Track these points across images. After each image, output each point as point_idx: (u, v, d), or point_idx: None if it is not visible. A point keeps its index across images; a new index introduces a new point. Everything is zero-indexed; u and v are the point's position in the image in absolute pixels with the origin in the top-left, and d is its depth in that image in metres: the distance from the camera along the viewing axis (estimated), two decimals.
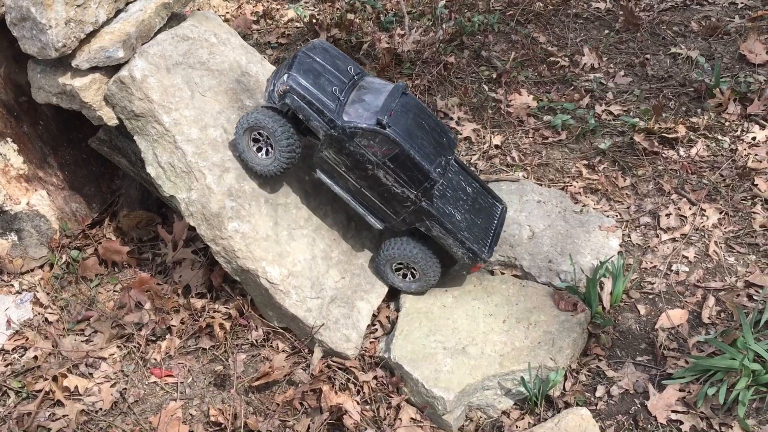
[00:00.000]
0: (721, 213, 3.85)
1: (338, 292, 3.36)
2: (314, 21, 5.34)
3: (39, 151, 3.71)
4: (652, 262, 3.66)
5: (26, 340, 3.42)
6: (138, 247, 3.85)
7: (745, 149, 4.15)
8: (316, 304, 3.25)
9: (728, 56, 4.82)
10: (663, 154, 4.22)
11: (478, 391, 3.12)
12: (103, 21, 3.22)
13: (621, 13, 5.26)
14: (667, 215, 3.86)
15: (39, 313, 3.55)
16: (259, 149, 3.22)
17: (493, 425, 3.14)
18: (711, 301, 3.42)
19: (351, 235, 3.55)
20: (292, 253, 3.29)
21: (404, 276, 3.41)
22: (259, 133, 3.17)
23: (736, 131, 4.29)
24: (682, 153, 4.22)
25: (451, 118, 4.56)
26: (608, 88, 4.72)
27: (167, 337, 3.42)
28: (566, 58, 4.95)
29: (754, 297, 3.42)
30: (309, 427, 3.06)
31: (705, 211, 3.86)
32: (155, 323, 3.44)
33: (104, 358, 3.35)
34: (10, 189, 3.63)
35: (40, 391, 3.17)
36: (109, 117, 3.33)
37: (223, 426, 3.07)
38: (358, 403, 3.14)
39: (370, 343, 3.39)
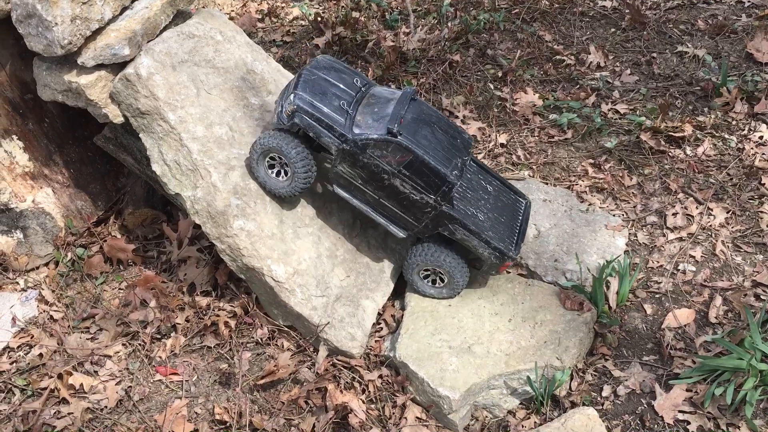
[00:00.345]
0: (728, 212, 3.83)
1: (343, 290, 3.35)
2: (319, 19, 5.33)
3: (44, 149, 3.71)
4: (658, 262, 3.64)
5: (31, 338, 3.42)
6: (143, 245, 3.85)
7: (752, 148, 4.13)
8: (321, 303, 3.25)
9: (735, 55, 4.80)
10: (670, 153, 4.20)
11: (484, 390, 3.11)
12: (109, 18, 3.22)
13: (627, 11, 5.24)
14: (673, 214, 3.85)
15: (44, 311, 3.55)
16: (276, 172, 3.23)
17: (498, 425, 3.13)
18: (718, 300, 3.40)
19: (356, 234, 3.54)
20: (298, 251, 3.28)
21: (433, 282, 3.39)
22: (273, 157, 3.18)
23: (743, 130, 4.27)
24: (688, 152, 4.20)
25: (457, 117, 4.55)
26: (614, 86, 4.71)
27: (172, 335, 3.42)
28: (572, 57, 4.94)
29: (762, 296, 3.40)
30: (314, 426, 3.06)
31: (712, 210, 3.85)
32: (160, 321, 3.44)
33: (109, 356, 3.35)
34: (16, 186, 3.63)
35: (45, 388, 3.17)
36: (115, 115, 3.33)
37: (228, 424, 3.07)
38: (363, 401, 3.13)
39: (376, 341, 3.38)
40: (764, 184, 3.93)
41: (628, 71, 4.79)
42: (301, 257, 3.28)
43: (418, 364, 3.11)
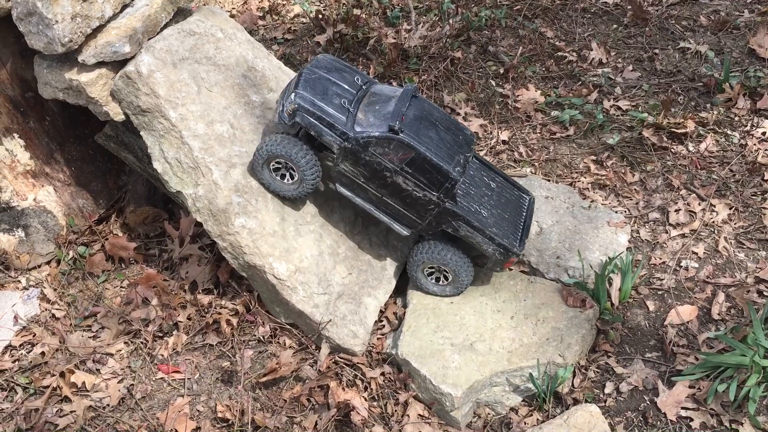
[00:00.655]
0: (730, 208, 3.82)
1: (345, 288, 3.35)
2: (320, 16, 5.32)
3: (46, 147, 3.71)
4: (661, 258, 3.64)
5: (33, 336, 3.43)
6: (145, 243, 3.85)
7: (755, 144, 4.12)
8: (323, 300, 3.24)
9: (737, 51, 4.78)
10: (672, 150, 4.19)
11: (486, 387, 3.10)
12: (110, 16, 3.22)
13: (629, 7, 5.22)
14: (676, 211, 3.84)
15: (46, 309, 3.55)
16: (281, 175, 3.23)
17: (501, 422, 3.13)
18: (721, 297, 3.40)
19: (358, 231, 3.53)
20: (299, 248, 3.28)
21: (437, 280, 3.38)
22: (278, 162, 3.18)
23: (746, 126, 4.26)
24: (691, 148, 4.19)
25: (458, 114, 4.54)
26: (616, 83, 4.69)
27: (174, 333, 3.42)
28: (574, 53, 4.92)
29: (765, 293, 3.39)
30: (316, 424, 3.06)
31: (714, 206, 3.84)
32: (162, 319, 3.43)
33: (111, 354, 3.35)
34: (17, 185, 3.63)
35: (47, 387, 3.17)
36: (116, 112, 3.32)
37: (230, 422, 3.07)
38: (365, 399, 3.13)
39: (378, 339, 3.38)
40: (767, 180, 3.91)
41: (630, 67, 4.78)
42: (303, 255, 3.28)
43: (421, 362, 3.11)
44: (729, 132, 4.24)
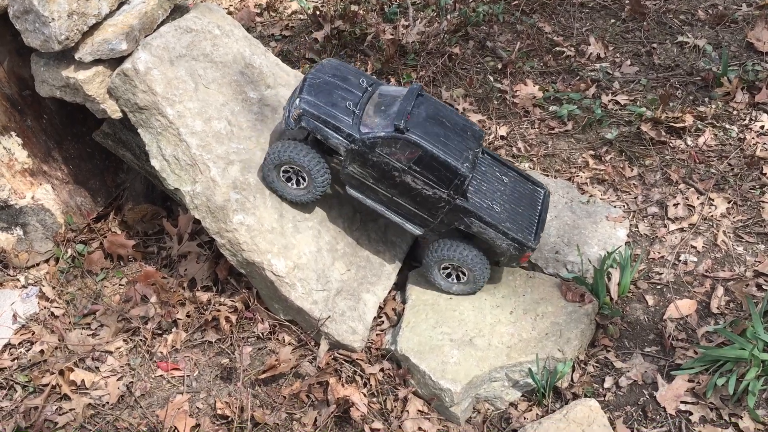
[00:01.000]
0: (729, 202, 3.82)
1: (344, 284, 3.34)
2: (318, 13, 5.31)
3: (43, 145, 3.70)
4: (660, 253, 3.63)
5: (32, 335, 3.43)
6: (143, 241, 3.85)
7: (753, 138, 4.12)
8: (321, 297, 3.24)
9: (736, 45, 4.78)
10: (670, 144, 4.18)
11: (486, 382, 3.11)
12: (106, 13, 3.21)
13: (627, 1, 5.21)
14: (674, 205, 3.83)
15: (45, 307, 3.55)
16: (289, 179, 3.24)
17: (500, 417, 3.13)
18: (720, 291, 3.40)
19: (356, 227, 3.53)
20: (298, 245, 3.28)
21: (448, 276, 3.36)
22: (288, 168, 3.18)
23: (744, 120, 4.25)
24: (689, 142, 4.18)
25: (457, 110, 4.53)
26: (615, 77, 4.69)
27: (173, 330, 3.42)
28: (572, 48, 4.92)
29: (764, 287, 3.39)
30: (316, 420, 3.06)
31: (713, 200, 3.83)
32: (161, 317, 3.43)
33: (110, 352, 3.35)
34: (15, 183, 3.62)
35: (46, 385, 3.17)
36: (113, 110, 3.32)
37: (229, 419, 3.07)
38: (365, 395, 3.13)
39: (377, 335, 3.38)
40: (765, 173, 3.91)
41: (629, 62, 4.77)
42: (302, 251, 3.27)
43: (420, 357, 3.11)
44: (727, 126, 4.23)
